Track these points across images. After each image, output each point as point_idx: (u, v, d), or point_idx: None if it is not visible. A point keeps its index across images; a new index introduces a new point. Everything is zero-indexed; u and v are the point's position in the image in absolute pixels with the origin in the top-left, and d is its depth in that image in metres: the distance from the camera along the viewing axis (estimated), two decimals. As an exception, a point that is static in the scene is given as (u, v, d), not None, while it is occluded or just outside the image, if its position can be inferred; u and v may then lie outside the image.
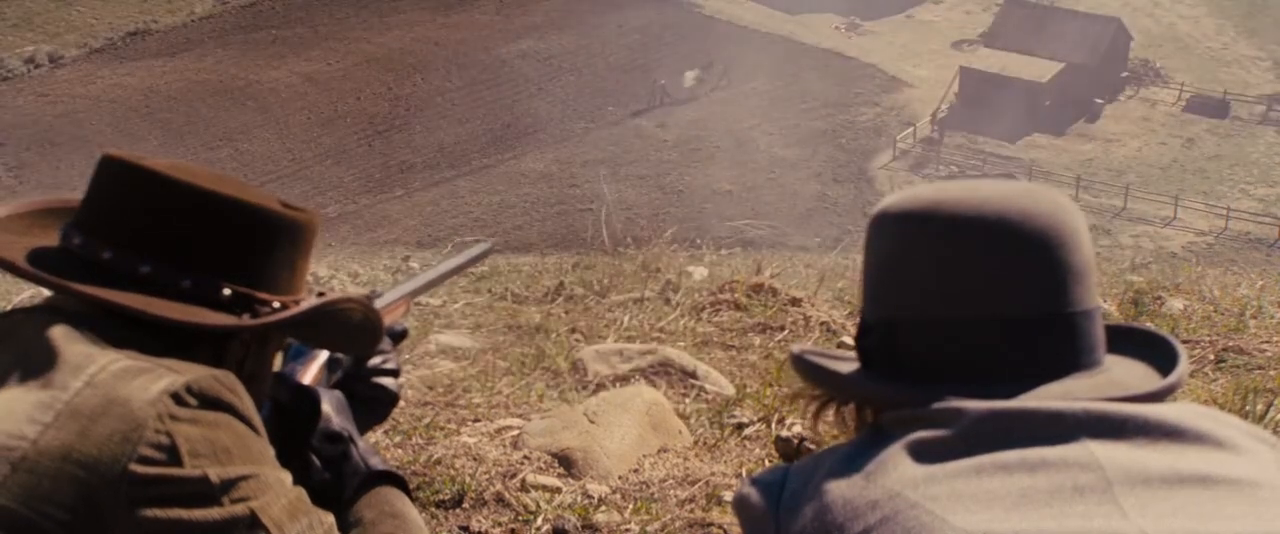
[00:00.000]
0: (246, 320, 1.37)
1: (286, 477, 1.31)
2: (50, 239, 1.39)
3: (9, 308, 1.43)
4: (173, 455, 1.19)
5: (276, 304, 1.40)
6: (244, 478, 1.23)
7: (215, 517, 1.20)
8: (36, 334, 1.27)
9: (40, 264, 1.32)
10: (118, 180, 1.36)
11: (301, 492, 1.31)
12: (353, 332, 1.50)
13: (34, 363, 1.24)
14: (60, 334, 1.26)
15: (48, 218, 1.44)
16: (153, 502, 1.18)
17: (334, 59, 44.98)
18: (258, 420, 1.30)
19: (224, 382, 1.27)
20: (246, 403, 1.29)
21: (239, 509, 1.22)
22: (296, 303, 1.43)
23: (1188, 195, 34.32)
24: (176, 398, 1.21)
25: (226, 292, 1.36)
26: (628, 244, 7.26)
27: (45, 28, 48.16)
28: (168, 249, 1.34)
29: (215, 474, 1.21)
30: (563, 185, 35.89)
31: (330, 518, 1.33)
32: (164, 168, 1.36)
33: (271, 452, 1.31)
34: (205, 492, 1.20)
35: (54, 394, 1.20)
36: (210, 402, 1.24)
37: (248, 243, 1.38)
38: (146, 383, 1.22)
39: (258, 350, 1.46)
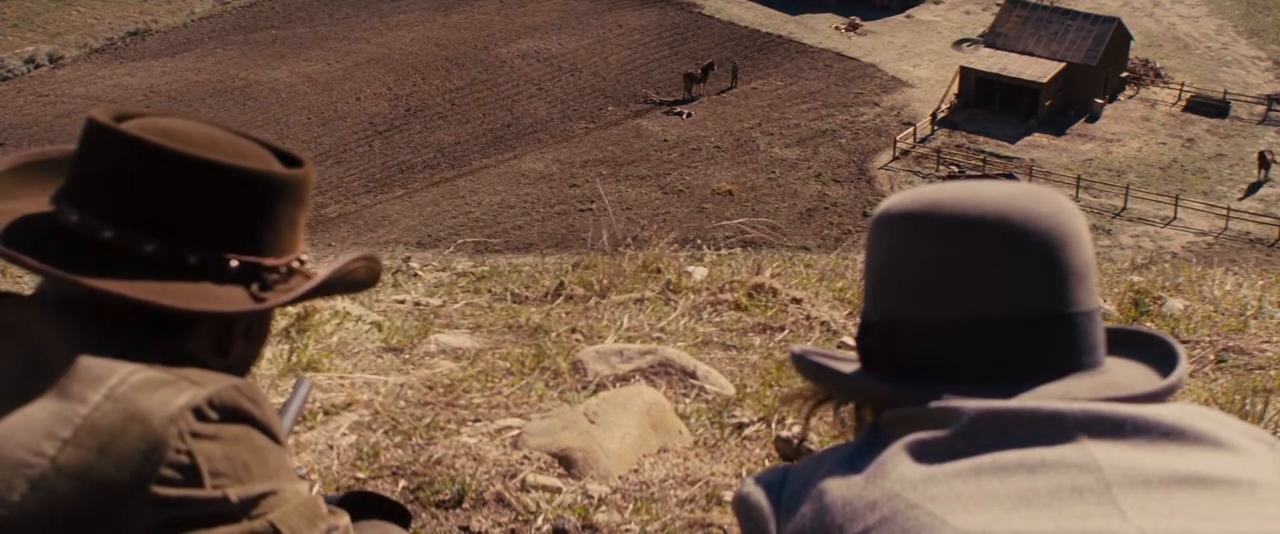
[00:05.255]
0: (269, 301, 1.35)
1: (303, 487, 1.31)
2: (39, 202, 1.34)
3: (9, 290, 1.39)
4: (193, 476, 1.18)
5: (282, 268, 1.38)
6: (263, 495, 1.23)
7: (235, 533, 1.20)
8: (49, 334, 1.25)
9: (43, 253, 1.27)
10: (111, 151, 1.30)
11: (317, 498, 1.32)
12: (357, 286, 1.51)
13: (50, 369, 1.22)
14: (75, 337, 1.24)
15: (30, 175, 1.40)
16: (173, 523, 1.17)
17: (334, 59, 44.98)
18: (277, 425, 1.30)
19: (245, 392, 1.26)
20: (266, 410, 1.28)
21: (258, 525, 1.22)
22: (299, 262, 1.41)
23: (1188, 195, 34.32)
24: (198, 413, 1.20)
25: (233, 263, 1.33)
26: (628, 244, 7.25)
27: (45, 28, 48.17)
28: (170, 224, 1.30)
29: (235, 493, 1.21)
30: (563, 185, 35.89)
31: (345, 519, 1.34)
32: (158, 137, 1.31)
33: (289, 461, 1.30)
34: (225, 511, 1.20)
35: (73, 407, 1.18)
36: (231, 414, 1.23)
37: (250, 210, 1.34)
38: (167, 397, 1.20)
39: (262, 313, 1.44)
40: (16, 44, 46.71)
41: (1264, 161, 35.15)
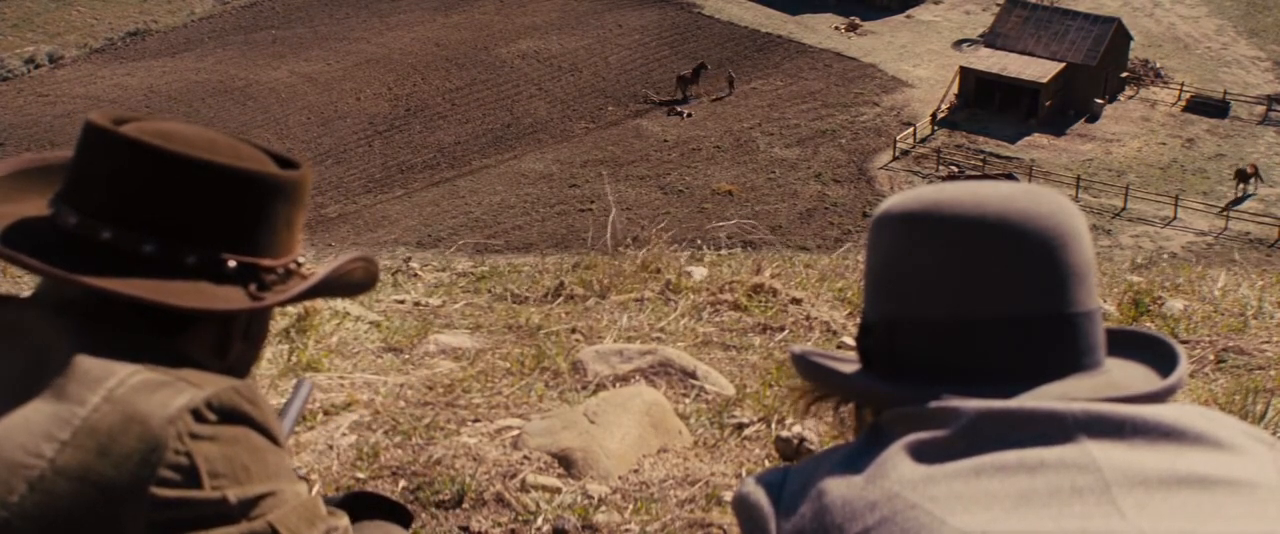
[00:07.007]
0: (266, 300, 1.36)
1: (302, 487, 1.31)
2: (37, 206, 1.35)
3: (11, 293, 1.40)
4: (192, 477, 1.19)
5: (280, 269, 1.39)
6: (262, 497, 1.23)
7: None
8: (49, 336, 1.25)
9: (42, 253, 1.28)
10: (110, 153, 1.31)
11: (317, 499, 1.32)
12: (355, 288, 1.51)
13: (49, 370, 1.22)
14: (74, 338, 1.24)
15: (30, 180, 1.41)
16: (172, 524, 1.18)
17: (334, 59, 44.98)
18: (275, 426, 1.30)
19: (243, 393, 1.26)
20: (264, 412, 1.29)
21: (258, 526, 1.22)
22: (297, 264, 1.42)
23: (1188, 195, 34.31)
24: (197, 414, 1.21)
25: (231, 263, 1.34)
26: (628, 244, 7.26)
27: (45, 28, 48.18)
28: (168, 225, 1.31)
29: (234, 495, 1.21)
30: (563, 185, 35.89)
31: (344, 519, 1.34)
32: (157, 139, 1.31)
33: (288, 461, 1.31)
34: (224, 512, 1.20)
35: (71, 409, 1.19)
36: (229, 415, 1.24)
37: (247, 211, 1.35)
38: (166, 398, 1.21)
39: (261, 313, 1.45)
40: (16, 44, 46.72)
41: (1242, 175, 34.75)
